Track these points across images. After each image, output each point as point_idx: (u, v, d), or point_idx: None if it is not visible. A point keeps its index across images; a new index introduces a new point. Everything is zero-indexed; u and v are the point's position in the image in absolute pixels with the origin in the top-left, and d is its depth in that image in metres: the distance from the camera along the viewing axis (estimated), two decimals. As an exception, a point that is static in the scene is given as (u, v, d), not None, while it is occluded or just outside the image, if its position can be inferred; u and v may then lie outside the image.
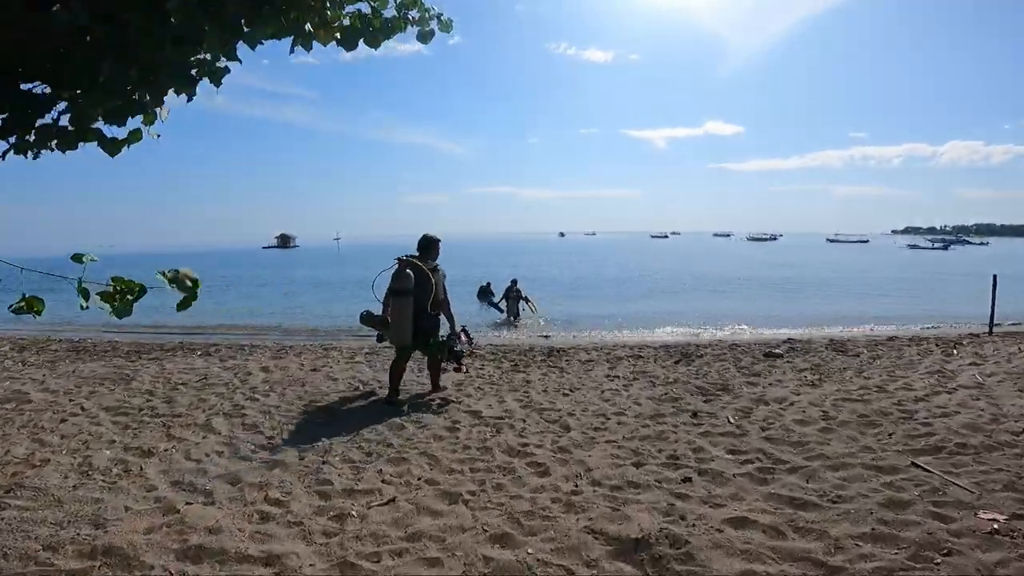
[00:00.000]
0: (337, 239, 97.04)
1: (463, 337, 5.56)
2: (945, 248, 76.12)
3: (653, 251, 70.18)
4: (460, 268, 40.73)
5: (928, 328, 12.40)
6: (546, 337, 11.62)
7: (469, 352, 6.35)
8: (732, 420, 4.72)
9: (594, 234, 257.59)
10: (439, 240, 5.44)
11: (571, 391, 5.82)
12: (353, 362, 7.41)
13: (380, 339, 5.65)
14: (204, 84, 2.05)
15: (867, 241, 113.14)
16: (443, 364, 5.59)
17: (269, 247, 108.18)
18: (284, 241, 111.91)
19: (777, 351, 8.01)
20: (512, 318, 13.90)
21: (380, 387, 5.88)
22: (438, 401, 5.36)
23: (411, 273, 5.06)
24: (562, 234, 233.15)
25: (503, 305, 14.27)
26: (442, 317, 5.44)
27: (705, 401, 5.37)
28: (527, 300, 14.14)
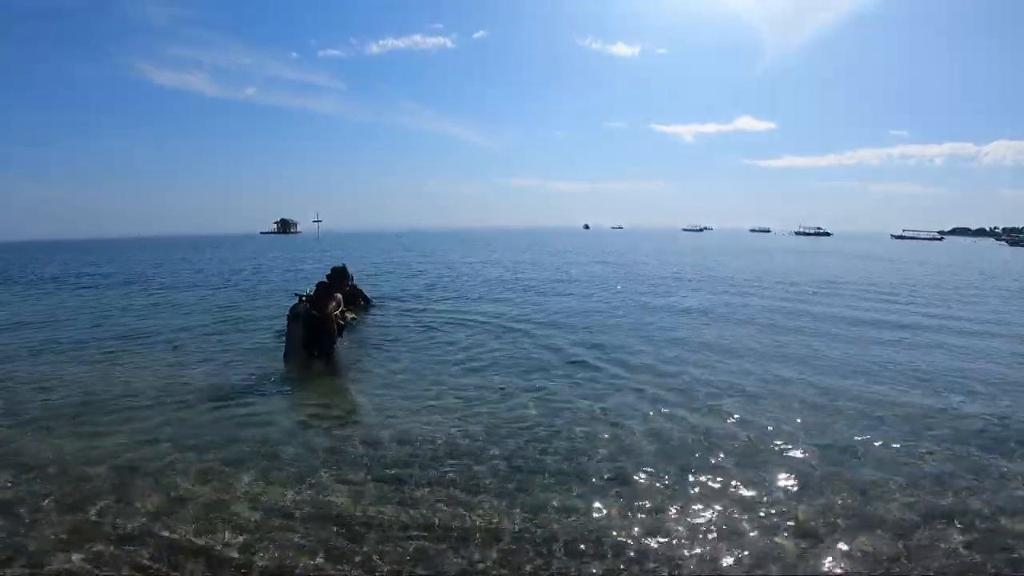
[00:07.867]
0: (317, 221, 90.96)
1: None
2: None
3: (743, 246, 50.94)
4: (479, 254, 30.42)
5: None
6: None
7: None
8: None
9: (621, 228, 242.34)
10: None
11: None
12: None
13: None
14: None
15: (942, 239, 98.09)
16: None
17: (268, 232, 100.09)
18: (284, 227, 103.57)
19: None
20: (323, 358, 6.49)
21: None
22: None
23: None
24: (587, 226, 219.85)
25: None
26: None
27: None
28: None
